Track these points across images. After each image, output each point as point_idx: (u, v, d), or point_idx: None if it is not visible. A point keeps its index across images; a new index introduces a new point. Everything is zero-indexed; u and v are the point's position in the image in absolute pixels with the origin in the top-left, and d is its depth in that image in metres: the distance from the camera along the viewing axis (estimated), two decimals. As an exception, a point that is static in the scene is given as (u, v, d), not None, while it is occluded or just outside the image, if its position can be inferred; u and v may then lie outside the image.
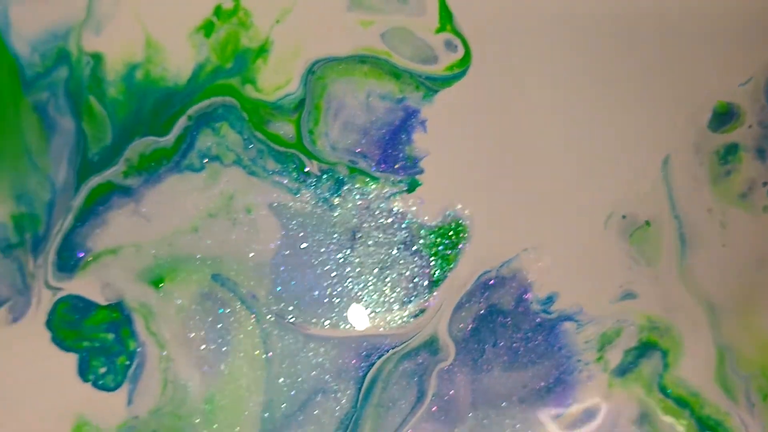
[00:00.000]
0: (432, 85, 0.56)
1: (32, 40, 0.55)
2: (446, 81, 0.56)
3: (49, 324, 0.52)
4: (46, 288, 0.53)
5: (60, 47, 0.53)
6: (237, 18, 0.55)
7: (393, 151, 0.55)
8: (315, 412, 0.53)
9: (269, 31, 0.55)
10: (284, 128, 0.55)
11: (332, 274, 0.53)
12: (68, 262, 0.54)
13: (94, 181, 0.53)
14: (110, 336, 0.53)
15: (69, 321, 0.53)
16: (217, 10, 0.55)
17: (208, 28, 0.56)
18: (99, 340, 0.54)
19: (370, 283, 0.53)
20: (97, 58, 0.54)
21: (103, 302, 0.53)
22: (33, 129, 0.53)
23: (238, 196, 0.54)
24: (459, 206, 0.54)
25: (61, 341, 0.53)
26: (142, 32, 0.55)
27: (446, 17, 0.56)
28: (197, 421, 0.52)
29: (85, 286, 0.54)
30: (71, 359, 0.53)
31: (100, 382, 0.53)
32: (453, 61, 0.56)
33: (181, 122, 0.54)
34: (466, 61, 0.56)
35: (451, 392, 0.54)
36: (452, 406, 0.54)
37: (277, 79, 0.55)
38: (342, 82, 0.55)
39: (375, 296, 0.53)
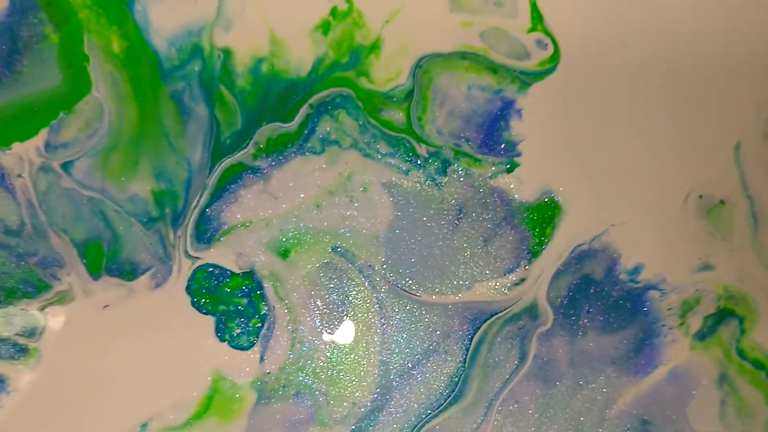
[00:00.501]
0: (526, 78, 0.62)
1: (169, 36, 0.60)
2: (538, 75, 0.62)
3: (189, 290, 0.58)
4: (185, 257, 0.59)
5: (194, 43, 0.60)
6: (351, 18, 0.62)
7: (493, 136, 0.61)
8: (426, 372, 0.58)
9: (380, 29, 0.61)
10: (395, 115, 0.61)
11: (440, 246, 0.58)
12: (205, 235, 0.59)
13: (227, 162, 0.59)
14: (244, 301, 0.59)
15: (207, 287, 0.60)
16: (333, 11, 0.62)
17: (325, 27, 0.63)
18: (234, 305, 0.59)
19: (475, 255, 0.59)
20: (227, 53, 0.60)
21: (236, 270, 0.59)
22: (171, 115, 0.59)
23: (355, 176, 0.60)
24: (554, 186, 0.60)
25: (199, 305, 0.58)
26: (267, 30, 0.62)
27: (537, 18, 0.63)
28: (321, 377, 0.57)
29: (221, 255, 0.59)
30: (209, 322, 0.60)
31: (235, 342, 0.58)
32: (544, 57, 0.62)
33: (304, 110, 0.60)
34: (555, 57, 0.62)
35: (550, 354, 0.59)
36: (551, 367, 0.59)
37: (388, 72, 0.61)
38: (446, 75, 0.62)
39: (480, 266, 0.58)
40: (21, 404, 0.55)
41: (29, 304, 0.57)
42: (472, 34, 0.62)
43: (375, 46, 0.61)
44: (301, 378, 0.58)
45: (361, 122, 0.60)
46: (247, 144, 0.59)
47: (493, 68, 0.61)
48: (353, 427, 0.59)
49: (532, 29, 0.62)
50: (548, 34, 0.62)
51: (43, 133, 0.58)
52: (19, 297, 0.57)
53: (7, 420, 0.55)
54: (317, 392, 0.58)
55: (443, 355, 0.58)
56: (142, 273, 0.58)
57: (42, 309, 0.57)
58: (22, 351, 0.56)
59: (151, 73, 0.59)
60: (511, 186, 0.60)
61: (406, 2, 0.61)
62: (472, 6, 0.61)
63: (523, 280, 0.60)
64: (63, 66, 0.59)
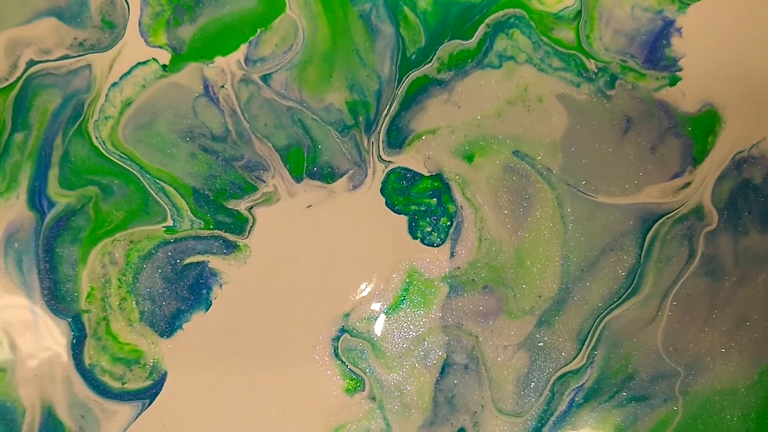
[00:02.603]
0: None
1: None
2: None
3: (383, 191, 0.63)
4: (378, 161, 0.63)
5: None
6: None
7: (656, 53, 0.66)
8: (605, 266, 0.62)
9: None
10: (565, 34, 0.66)
11: (611, 152, 0.63)
12: (396, 140, 0.65)
13: (413, 74, 0.64)
14: (433, 201, 0.65)
15: (399, 188, 0.64)
16: None
17: None
18: (424, 205, 0.63)
19: (643, 160, 0.63)
20: None
21: (425, 173, 0.63)
22: (360, 33, 0.65)
23: (531, 88, 0.64)
24: (713, 98, 0.65)
25: (393, 205, 0.63)
26: None
27: None
28: (508, 271, 0.62)
29: (411, 159, 0.63)
30: (402, 220, 0.64)
31: (427, 240, 0.63)
32: None
33: (481, 29, 0.65)
34: None
35: (716, 251, 0.63)
36: (717, 264, 0.64)
37: None
38: None
39: (648, 171, 0.63)
40: (234, 295, 0.60)
41: (237, 203, 0.61)
42: None
43: None
44: (488, 273, 0.62)
45: (533, 40, 0.64)
46: (431, 59, 0.64)
47: None
48: (539, 317, 0.62)
49: None
50: (702, -41, 0.67)
51: (243, 48, 0.63)
52: (227, 197, 0.62)
53: (221, 309, 0.59)
54: (505, 286, 0.64)
55: (620, 252, 0.63)
56: (340, 176, 0.62)
57: (249, 209, 0.62)
58: (233, 247, 0.60)
59: None
60: (675, 98, 0.65)
61: (570, -69, 0.67)
62: (632, -66, 0.67)
63: (688, 183, 0.65)
64: None
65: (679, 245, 0.62)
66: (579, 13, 0.65)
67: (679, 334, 0.60)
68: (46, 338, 0.59)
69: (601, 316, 0.61)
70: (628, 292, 0.61)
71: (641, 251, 0.62)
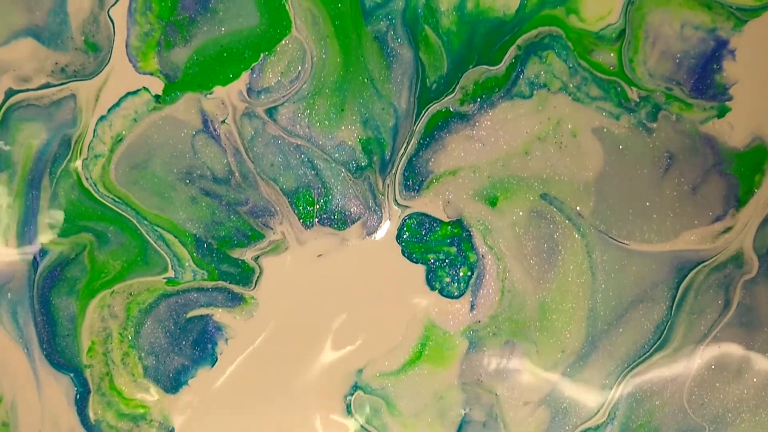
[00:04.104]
0: (741, 15, 0.54)
1: None
2: (755, 11, 0.58)
3: (399, 238, 0.54)
4: (395, 205, 0.53)
5: None
6: None
7: (705, 79, 0.58)
8: (633, 319, 0.58)
9: None
10: (606, 57, 0.54)
11: (649, 193, 0.57)
12: (413, 182, 0.54)
13: (434, 107, 0.53)
14: (453, 249, 0.54)
15: (416, 236, 0.53)
16: None
17: None
18: (443, 253, 0.54)
19: (683, 203, 0.57)
20: None
21: (445, 219, 0.54)
22: (375, 58, 0.53)
23: (564, 121, 0.54)
24: (765, 131, 0.59)
25: (409, 254, 0.54)
26: None
27: None
28: (531, 324, 0.58)
29: (429, 204, 0.54)
30: (419, 270, 0.54)
31: (446, 291, 0.54)
32: None
33: (511, 51, 0.53)
34: None
35: (753, 301, 0.59)
36: (754, 314, 0.60)
37: (599, 10, 0.53)
38: (659, 12, 0.51)
39: (687, 214, 0.57)
40: (240, 350, 0.57)
41: (243, 252, 0.53)
42: None
43: None
44: (511, 326, 0.54)
45: (570, 64, 0.54)
46: (454, 88, 0.53)
47: (708, 4, 0.54)
48: (562, 373, 0.55)
49: None
50: (767, -34, 0.57)
51: (245, 77, 0.53)
52: (232, 246, 0.53)
53: (226, 366, 0.56)
54: (528, 340, 0.55)
55: (650, 303, 0.58)
56: (353, 222, 0.54)
57: (256, 258, 0.54)
58: (239, 299, 0.56)
59: (353, 13, 0.53)
60: (722, 131, 0.54)
61: (618, -69, 0.53)
62: (689, -65, 0.56)
63: (729, 228, 0.55)
64: (260, 3, 0.52)
65: (714, 295, 0.57)
66: (623, 32, 0.56)
67: (706, 388, 0.57)
68: (49, 393, 0.56)
69: (627, 371, 0.57)
70: (656, 345, 0.57)
71: (673, 302, 0.57)
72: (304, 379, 0.51)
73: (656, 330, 0.52)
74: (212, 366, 0.50)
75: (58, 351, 0.50)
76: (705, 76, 0.52)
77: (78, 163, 0.50)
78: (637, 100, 0.51)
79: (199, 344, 0.50)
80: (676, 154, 0.52)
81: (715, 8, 0.52)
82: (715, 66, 0.52)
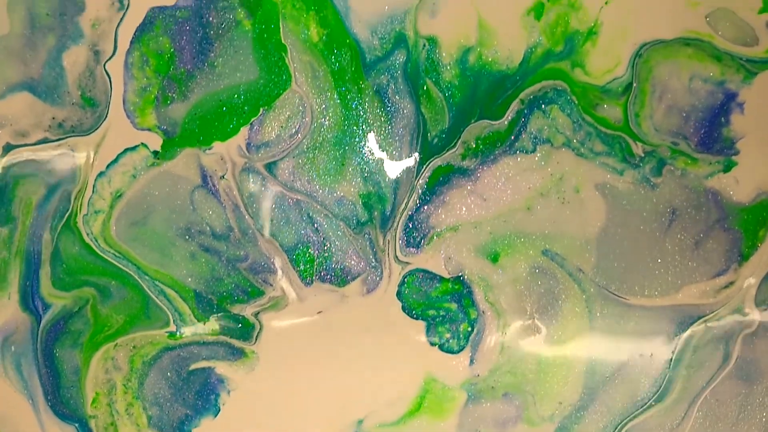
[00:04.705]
0: (751, 67, 0.52)
1: (371, 23, 0.51)
2: (765, 63, 0.56)
3: (399, 295, 0.53)
4: (395, 262, 0.52)
5: (398, 30, 0.51)
6: None
7: (712, 133, 0.56)
8: (631, 372, 0.58)
9: (598, 12, 0.51)
10: (611, 111, 0.52)
11: (651, 248, 0.57)
12: (414, 239, 0.52)
13: (435, 162, 0.52)
14: (453, 306, 0.53)
15: (417, 292, 0.52)
16: None
17: (538, 10, 0.51)
18: (444, 309, 0.53)
19: (685, 257, 0.57)
20: (433, 42, 0.51)
21: (446, 275, 0.53)
22: (376, 112, 0.51)
23: (567, 177, 0.52)
24: None
25: (410, 310, 0.53)
26: (475, 14, 0.50)
27: None
28: (530, 378, 0.58)
29: (430, 260, 0.52)
30: (419, 326, 0.52)
31: (446, 346, 0.53)
32: None
33: (514, 106, 0.51)
34: None
35: (753, 355, 0.59)
36: (753, 367, 0.60)
37: (605, 63, 0.51)
38: (667, 65, 0.51)
39: (689, 269, 0.57)
40: (242, 401, 0.57)
41: (243, 308, 0.52)
42: (698, 16, 0.51)
43: (592, 32, 0.51)
44: (510, 380, 0.53)
45: (574, 119, 0.52)
46: (456, 143, 0.52)
47: (718, 56, 0.52)
48: (558, 424, 0.54)
49: (764, 9, 0.52)
50: (780, 15, 0.53)
51: (244, 132, 0.51)
52: (232, 302, 0.52)
53: (227, 418, 0.57)
54: (525, 392, 0.54)
55: (648, 357, 0.59)
56: (353, 279, 0.53)
57: (256, 314, 0.52)
58: (240, 353, 0.56)
59: (354, 65, 0.51)
60: (727, 186, 0.53)
61: (627, -21, 0.38)
62: (701, -17, 0.52)
63: (732, 283, 0.54)
64: (259, 57, 0.50)
65: (713, 349, 0.56)
66: (629, 86, 0.54)
67: (702, 440, 0.56)
68: (55, 443, 0.56)
69: (623, 423, 0.57)
70: (653, 398, 0.57)
71: (672, 356, 0.57)
72: (305, 430, 0.52)
73: (654, 383, 0.53)
74: (215, 416, 0.51)
75: (62, 402, 0.51)
76: (712, 130, 0.51)
77: (79, 218, 0.50)
78: (642, 155, 0.50)
79: (202, 395, 0.51)
80: (679, 208, 0.51)
81: (725, 60, 0.50)
82: (722, 119, 0.51)
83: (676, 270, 0.50)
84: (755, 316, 0.51)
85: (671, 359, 0.50)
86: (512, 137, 0.47)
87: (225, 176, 0.47)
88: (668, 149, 0.48)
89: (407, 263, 0.48)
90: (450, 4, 0.47)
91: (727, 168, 0.49)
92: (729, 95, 0.49)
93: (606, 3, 0.47)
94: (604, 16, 0.47)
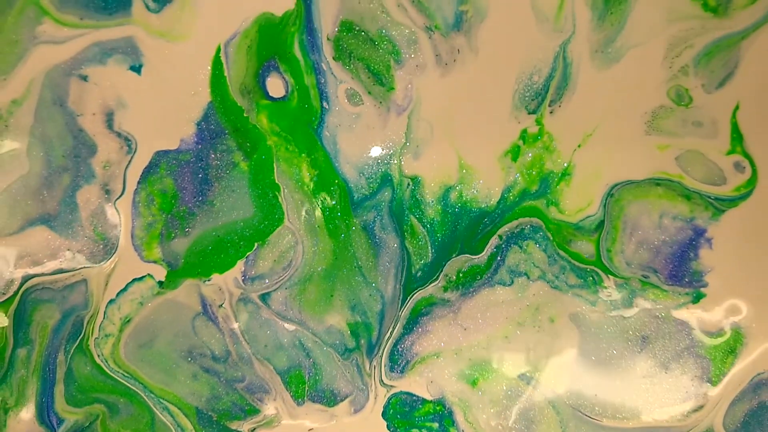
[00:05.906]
0: (720, 205, 0.54)
1: (358, 164, 0.54)
2: (733, 201, 0.54)
3: (384, 415, 0.56)
4: (381, 385, 0.55)
5: (383, 171, 0.54)
6: (542, 142, 0.52)
7: (681, 267, 0.60)
8: None
9: (571, 155, 0.54)
10: (584, 247, 0.55)
11: (622, 373, 0.60)
12: (398, 364, 0.55)
13: (418, 294, 0.55)
14: (435, 425, 0.55)
15: (401, 413, 0.55)
16: (524, 135, 0.53)
17: (515, 152, 0.53)
18: (426, 429, 0.56)
19: (655, 382, 0.60)
20: (416, 181, 0.54)
21: (428, 397, 0.56)
22: (363, 247, 0.54)
23: (542, 308, 0.55)
24: (738, 315, 0.55)
25: (394, 429, 0.55)
26: (456, 156, 0.53)
27: (737, 139, 0.53)
28: None
29: (413, 383, 0.56)
30: None
31: None
32: (740, 182, 0.54)
33: (493, 241, 0.54)
34: (752, 181, 0.54)
35: None
36: None
37: (578, 202, 0.54)
38: (638, 204, 0.54)
39: (659, 393, 0.60)
40: None
41: (241, 425, 0.56)
42: (667, 158, 0.54)
43: (566, 173, 0.54)
44: None
45: (549, 254, 0.55)
46: (438, 276, 0.55)
47: (687, 195, 0.54)
48: None
49: (731, 151, 0.54)
50: (747, 156, 0.54)
51: (240, 265, 0.55)
52: (230, 418, 0.56)
53: None
54: None
55: None
56: (342, 400, 0.56)
57: (252, 430, 0.55)
58: None
59: (343, 204, 0.54)
60: (696, 316, 0.55)
61: (599, 125, 0.53)
62: (670, 128, 0.53)
63: (701, 407, 0.56)
64: (254, 196, 0.54)
65: None
66: (601, 223, 0.53)
67: None
68: None
69: None
70: None
71: None
72: None
73: (625, 500, 0.56)
74: None
75: (75, 507, 0.56)
76: (681, 264, 0.55)
77: (91, 341, 0.55)
78: (614, 287, 0.55)
79: (201, 504, 0.55)
80: (649, 337, 0.55)
81: (694, 199, 0.54)
82: (691, 254, 0.55)
83: (647, 394, 0.54)
84: (723, 438, 0.54)
85: (642, 477, 0.54)
86: (491, 271, 0.52)
87: (223, 305, 0.52)
88: (639, 282, 0.52)
89: (392, 386, 0.52)
90: (432, 147, 0.52)
91: (696, 299, 0.53)
92: (698, 231, 0.53)
93: (579, 146, 0.52)
94: (577, 158, 0.52)
